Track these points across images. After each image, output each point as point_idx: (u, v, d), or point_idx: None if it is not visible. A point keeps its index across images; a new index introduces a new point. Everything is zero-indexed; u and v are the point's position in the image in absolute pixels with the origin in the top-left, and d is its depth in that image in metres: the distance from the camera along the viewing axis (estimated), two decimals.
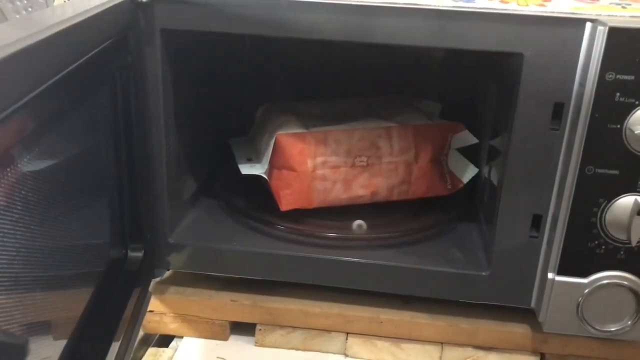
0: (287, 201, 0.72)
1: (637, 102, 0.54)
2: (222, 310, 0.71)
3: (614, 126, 0.55)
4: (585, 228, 0.59)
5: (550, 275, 0.61)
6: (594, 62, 0.54)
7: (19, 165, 0.41)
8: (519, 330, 0.68)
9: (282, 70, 0.96)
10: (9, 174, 0.39)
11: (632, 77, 0.54)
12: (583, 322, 0.62)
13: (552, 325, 0.63)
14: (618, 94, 0.54)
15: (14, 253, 0.41)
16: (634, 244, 0.58)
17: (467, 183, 0.77)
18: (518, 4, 0.59)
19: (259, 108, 0.84)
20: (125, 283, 0.64)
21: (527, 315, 0.66)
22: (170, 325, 0.72)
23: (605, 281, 0.60)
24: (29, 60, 0.37)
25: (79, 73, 0.46)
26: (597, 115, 0.55)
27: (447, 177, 0.77)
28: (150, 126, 0.64)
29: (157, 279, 0.72)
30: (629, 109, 0.55)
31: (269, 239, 0.71)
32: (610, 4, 0.60)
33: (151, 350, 0.70)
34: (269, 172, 0.73)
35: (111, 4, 0.53)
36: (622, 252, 0.59)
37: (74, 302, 0.54)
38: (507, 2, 0.59)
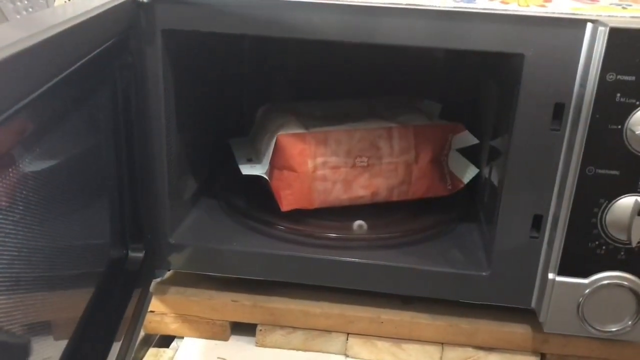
0: (287, 201, 0.72)
1: (637, 103, 0.54)
2: (222, 310, 0.71)
3: (615, 127, 0.55)
4: (586, 228, 0.59)
5: (550, 276, 0.61)
6: (595, 63, 0.54)
7: (20, 165, 0.41)
8: (519, 331, 0.68)
9: (282, 70, 0.96)
10: (10, 175, 0.39)
11: (633, 78, 0.54)
12: (583, 322, 0.62)
13: (553, 326, 0.63)
14: (619, 94, 0.54)
15: (16, 253, 0.41)
16: (634, 244, 0.58)
17: (468, 183, 0.77)
18: (519, 5, 0.59)
19: (260, 108, 0.84)
20: (126, 283, 0.64)
21: (527, 315, 0.66)
22: (171, 325, 0.72)
23: (605, 281, 0.60)
24: (29, 61, 0.37)
25: (79, 73, 0.46)
26: (597, 115, 0.55)
27: (447, 178, 0.77)
28: (150, 126, 0.64)
29: (158, 279, 0.72)
30: (630, 110, 0.55)
31: (269, 239, 0.71)
32: (611, 4, 0.60)
33: (152, 351, 0.70)
34: (270, 172, 0.73)
35: (112, 4, 0.53)
36: (622, 253, 0.59)
37: (74, 303, 0.54)
38: (507, 3, 0.59)
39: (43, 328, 0.48)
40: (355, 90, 0.90)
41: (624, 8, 0.59)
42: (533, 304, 0.64)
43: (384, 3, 0.57)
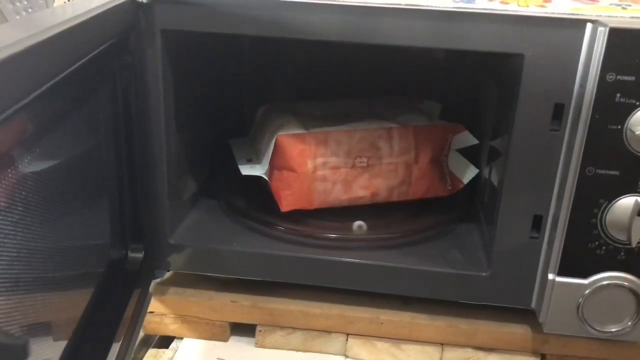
0: (287, 202, 0.72)
1: (637, 103, 0.54)
2: (222, 311, 0.71)
3: (615, 127, 0.55)
4: (586, 229, 0.59)
5: (550, 276, 0.61)
6: (595, 63, 0.54)
7: (19, 166, 0.41)
8: (519, 331, 0.68)
9: (282, 70, 0.96)
10: (10, 175, 0.39)
11: (633, 78, 0.54)
12: (583, 322, 0.62)
13: (553, 326, 0.63)
14: (618, 94, 0.54)
15: (15, 254, 0.41)
16: (634, 244, 0.58)
17: (468, 184, 0.77)
18: (518, 5, 0.59)
19: (259, 108, 0.84)
20: (126, 284, 0.64)
21: (527, 315, 0.66)
22: (170, 326, 0.72)
23: (605, 282, 0.60)
24: (29, 62, 0.37)
25: (79, 74, 0.46)
26: (597, 116, 0.55)
27: (447, 178, 0.77)
28: (150, 126, 0.64)
29: (158, 280, 0.72)
30: (630, 110, 0.55)
31: (269, 240, 0.71)
32: (611, 4, 0.60)
33: (151, 352, 0.70)
34: (269, 172, 0.73)
35: (112, 4, 0.53)
36: (622, 253, 0.59)
37: (74, 303, 0.54)
38: (507, 3, 0.59)
39: (42, 329, 0.48)
40: (355, 90, 0.90)
41: (623, 8, 0.59)
42: (533, 305, 0.64)
43: (384, 3, 0.57)
